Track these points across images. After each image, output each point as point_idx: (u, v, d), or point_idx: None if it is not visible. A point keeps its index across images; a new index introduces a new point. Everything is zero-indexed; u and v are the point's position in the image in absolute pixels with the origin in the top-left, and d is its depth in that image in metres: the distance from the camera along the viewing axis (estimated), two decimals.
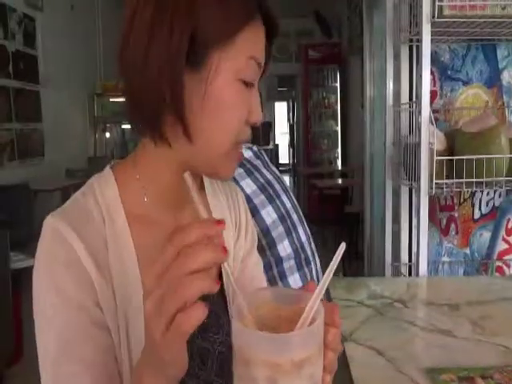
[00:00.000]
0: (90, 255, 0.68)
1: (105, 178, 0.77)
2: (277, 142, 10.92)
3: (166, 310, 0.46)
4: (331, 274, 0.50)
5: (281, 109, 11.35)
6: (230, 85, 0.68)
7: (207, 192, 0.89)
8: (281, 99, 10.85)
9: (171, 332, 0.47)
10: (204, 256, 0.47)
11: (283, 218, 1.59)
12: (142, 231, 0.75)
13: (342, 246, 0.50)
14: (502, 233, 2.34)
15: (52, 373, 0.64)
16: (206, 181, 0.91)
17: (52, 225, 0.69)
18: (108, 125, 6.77)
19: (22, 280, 2.84)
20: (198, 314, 0.46)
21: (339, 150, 8.21)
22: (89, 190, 0.75)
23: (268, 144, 9.08)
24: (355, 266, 5.07)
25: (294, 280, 1.56)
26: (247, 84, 0.69)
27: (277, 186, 1.63)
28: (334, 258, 0.50)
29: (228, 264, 0.51)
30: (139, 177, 0.76)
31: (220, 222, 0.49)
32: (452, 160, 1.83)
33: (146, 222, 0.76)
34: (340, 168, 7.94)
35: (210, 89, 0.67)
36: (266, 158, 1.72)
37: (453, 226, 2.34)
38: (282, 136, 11.58)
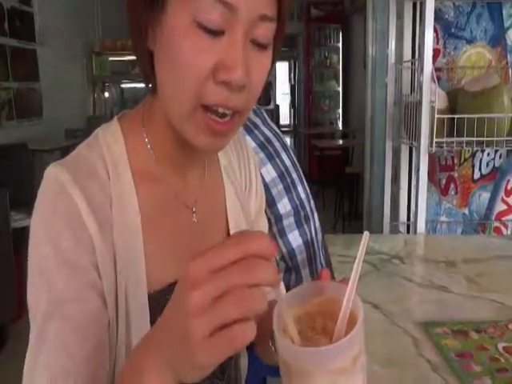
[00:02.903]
0: (92, 212, 0.64)
1: (111, 131, 0.72)
2: (278, 103, 10.79)
3: (223, 314, 0.40)
4: (360, 264, 0.48)
5: (282, 69, 11.17)
6: (185, 30, 0.57)
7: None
8: (282, 59, 10.68)
9: (221, 339, 0.40)
10: (267, 272, 0.42)
11: (283, 175, 1.59)
12: (148, 190, 0.72)
13: (366, 235, 0.49)
14: (501, 194, 2.35)
15: (40, 326, 0.61)
16: None
17: (53, 174, 0.65)
18: (107, 84, 6.69)
19: (23, 239, 2.86)
20: (253, 331, 0.41)
21: (340, 111, 8.15)
22: (94, 143, 0.71)
23: (269, 104, 8.99)
24: (354, 226, 5.11)
25: (294, 237, 1.57)
26: (214, 32, 0.57)
27: (276, 144, 1.62)
28: (360, 247, 0.48)
29: None
30: (146, 132, 0.72)
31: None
32: (453, 119, 1.82)
33: (153, 181, 0.72)
34: (341, 129, 7.90)
35: (166, 34, 0.59)
36: (266, 116, 1.71)
37: (452, 186, 2.34)
38: (283, 96, 11.43)
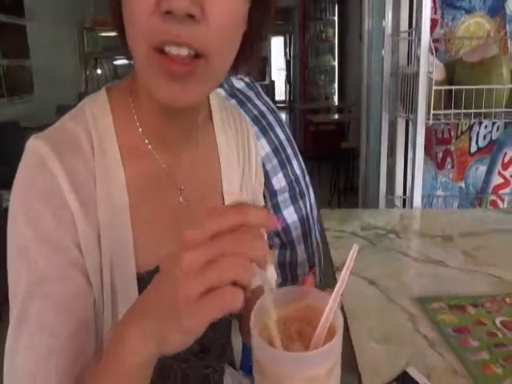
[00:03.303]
0: (74, 190, 0.61)
1: (99, 103, 0.69)
2: (273, 79, 10.69)
3: (214, 276, 0.40)
4: (347, 275, 0.47)
5: (277, 43, 11.03)
6: None
7: (215, 125, 0.82)
8: (277, 33, 10.53)
9: (208, 301, 0.40)
10: (262, 248, 0.41)
11: (277, 150, 1.56)
12: (136, 167, 0.68)
13: (355, 248, 0.47)
14: (498, 167, 2.33)
15: (21, 306, 0.59)
16: (216, 114, 0.83)
17: (34, 148, 0.62)
18: (99, 60, 6.59)
19: None
20: (241, 299, 0.40)
21: (336, 86, 8.07)
22: (79, 115, 0.67)
23: (264, 79, 8.90)
24: (350, 201, 5.10)
25: (289, 213, 1.55)
26: None
27: (270, 118, 1.59)
28: (348, 259, 0.47)
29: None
30: (134, 105, 0.69)
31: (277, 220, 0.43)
32: (451, 91, 1.78)
33: (141, 157, 0.69)
34: (337, 104, 7.83)
35: None
36: (260, 89, 1.67)
37: (449, 159, 2.32)
38: (278, 72, 11.31)
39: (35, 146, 0.62)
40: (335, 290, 0.47)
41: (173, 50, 0.53)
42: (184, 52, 0.54)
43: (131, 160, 0.68)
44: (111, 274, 0.64)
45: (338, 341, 0.45)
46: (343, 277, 0.47)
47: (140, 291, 0.66)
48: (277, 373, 0.44)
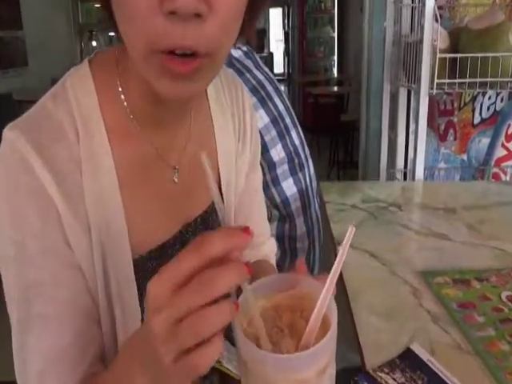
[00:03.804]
0: (57, 183, 0.57)
1: (81, 80, 0.63)
2: (271, 50, 10.53)
3: (181, 342, 0.39)
4: (342, 261, 0.43)
5: (275, 15, 10.83)
6: None
7: (209, 94, 0.77)
8: (275, 5, 10.33)
9: (184, 367, 0.40)
10: (228, 282, 0.38)
11: (276, 121, 1.51)
12: (125, 150, 0.63)
13: (352, 230, 0.43)
14: (502, 139, 2.28)
15: (21, 311, 0.58)
16: (210, 85, 0.78)
17: (11, 141, 0.57)
18: (94, 32, 6.46)
19: None
20: (216, 351, 0.39)
21: (336, 58, 7.94)
22: (61, 95, 0.61)
23: (262, 51, 8.76)
24: (349, 175, 5.06)
25: (288, 185, 1.51)
26: None
27: (269, 88, 1.54)
28: (343, 243, 0.43)
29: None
30: (120, 83, 0.63)
31: (247, 231, 0.39)
32: (455, 59, 1.72)
33: (130, 139, 0.64)
34: (336, 76, 7.73)
35: None
36: (258, 58, 1.61)
37: (451, 131, 2.27)
38: (276, 44, 11.13)
39: (12, 140, 0.57)
40: (329, 277, 0.43)
41: (177, 52, 0.49)
42: (189, 53, 0.49)
43: (119, 143, 0.63)
44: (104, 263, 0.61)
45: (331, 338, 0.41)
46: (337, 264, 0.43)
47: (136, 277, 0.64)
48: (260, 374, 0.41)
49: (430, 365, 0.78)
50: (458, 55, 1.71)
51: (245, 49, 1.57)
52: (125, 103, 0.63)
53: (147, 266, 0.65)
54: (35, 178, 0.56)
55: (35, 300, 0.57)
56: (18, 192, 0.56)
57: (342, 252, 0.43)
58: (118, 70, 0.63)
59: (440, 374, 0.76)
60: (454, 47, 1.79)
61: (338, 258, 0.43)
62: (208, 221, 0.74)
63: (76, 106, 0.60)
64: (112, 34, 6.46)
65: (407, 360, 0.79)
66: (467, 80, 1.68)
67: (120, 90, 0.63)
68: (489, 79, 1.67)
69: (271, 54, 10.05)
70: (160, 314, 0.39)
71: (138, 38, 0.49)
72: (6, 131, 0.57)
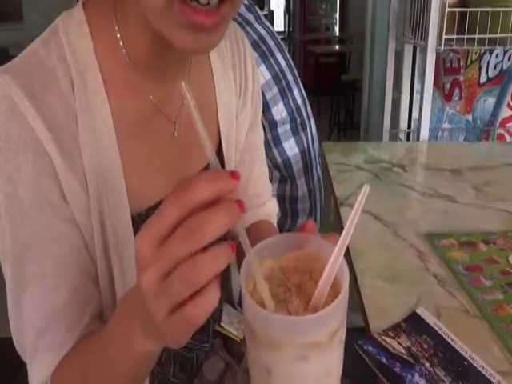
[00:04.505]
0: (52, 135, 0.53)
1: (75, 24, 0.57)
2: (272, 8, 10.25)
3: (173, 294, 0.36)
4: (355, 221, 0.39)
5: None
6: None
7: None
8: None
9: (178, 320, 0.37)
10: (217, 225, 0.35)
11: (277, 77, 1.46)
12: (123, 101, 0.59)
13: (366, 190, 0.39)
14: (508, 99, 2.23)
15: (16, 268, 0.56)
16: None
17: (1, 89, 0.52)
18: None
19: None
20: (212, 299, 0.36)
21: (337, 15, 7.73)
22: (53, 40, 0.56)
23: (262, 9, 8.52)
24: (350, 135, 5.00)
25: (290, 146, 1.47)
26: None
27: (271, 43, 1.48)
28: (357, 203, 0.39)
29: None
30: (118, 27, 0.57)
31: (235, 175, 0.35)
32: (464, 14, 1.65)
33: (128, 89, 0.60)
34: (338, 35, 7.54)
35: None
36: (259, 12, 1.54)
37: (457, 90, 2.21)
38: (277, 1, 10.83)
39: (2, 87, 0.52)
40: (341, 237, 0.40)
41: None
42: (214, 1, 0.46)
43: (117, 94, 0.59)
44: (101, 220, 0.59)
45: (341, 300, 0.38)
46: (350, 225, 0.40)
47: (135, 233, 0.60)
48: (268, 337, 0.38)
49: (437, 328, 0.76)
50: (468, 9, 1.63)
51: (246, 2, 1.50)
52: (124, 50, 0.58)
53: None
54: (29, 130, 0.52)
55: (30, 257, 0.55)
56: (11, 144, 0.52)
57: (356, 212, 0.39)
58: (116, 16, 0.58)
59: (446, 337, 0.74)
60: (462, 2, 1.72)
61: (350, 219, 0.40)
62: None
63: (69, 51, 0.56)
64: None
65: (413, 324, 0.77)
66: (476, 36, 1.62)
67: (118, 36, 0.58)
68: (499, 35, 1.61)
69: (271, 12, 9.79)
70: (147, 269, 0.36)
71: None
72: None
